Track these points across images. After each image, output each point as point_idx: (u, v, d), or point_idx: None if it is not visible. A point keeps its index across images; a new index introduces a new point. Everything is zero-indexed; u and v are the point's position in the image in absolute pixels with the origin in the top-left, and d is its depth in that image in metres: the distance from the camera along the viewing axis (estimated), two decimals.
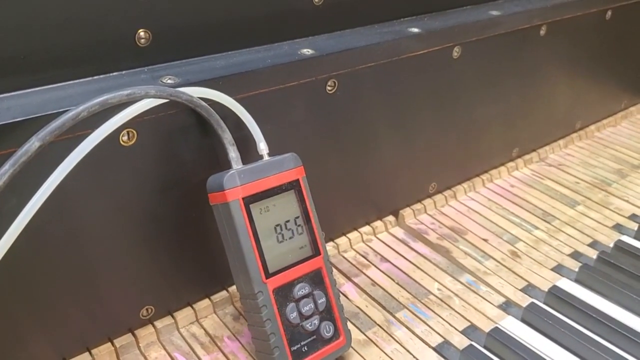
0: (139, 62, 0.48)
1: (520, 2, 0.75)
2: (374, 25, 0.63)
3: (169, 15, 0.48)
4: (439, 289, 0.61)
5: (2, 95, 0.42)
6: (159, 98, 0.44)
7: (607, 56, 0.92)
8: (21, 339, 0.46)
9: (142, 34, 0.47)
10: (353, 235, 0.67)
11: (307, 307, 0.48)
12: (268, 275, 0.47)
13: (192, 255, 0.54)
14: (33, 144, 0.38)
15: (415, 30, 0.61)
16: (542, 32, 0.76)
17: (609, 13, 0.86)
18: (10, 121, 0.39)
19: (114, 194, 0.47)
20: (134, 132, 0.45)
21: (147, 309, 0.52)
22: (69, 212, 0.45)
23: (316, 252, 0.50)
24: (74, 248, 0.46)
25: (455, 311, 0.58)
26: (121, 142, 0.45)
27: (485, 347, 0.54)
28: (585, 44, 0.86)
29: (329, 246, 0.65)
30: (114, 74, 0.47)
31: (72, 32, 0.44)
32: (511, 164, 0.84)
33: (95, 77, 0.46)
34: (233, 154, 0.48)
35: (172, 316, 0.55)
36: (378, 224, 0.69)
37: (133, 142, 0.45)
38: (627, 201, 0.78)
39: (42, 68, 0.44)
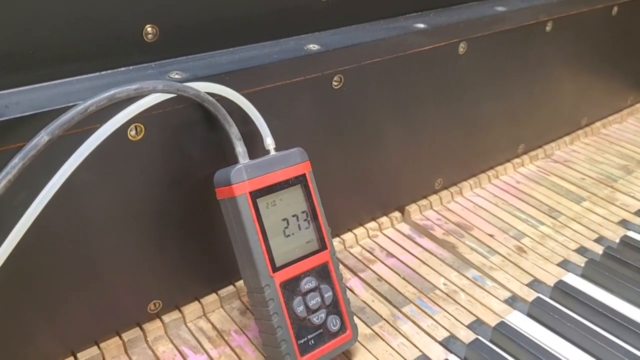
0: (146, 57, 0.49)
1: None
2: (379, 21, 0.63)
3: (176, 10, 0.48)
4: (444, 284, 0.61)
5: (11, 90, 0.43)
6: (167, 93, 0.44)
7: (613, 52, 0.92)
8: (30, 333, 0.46)
9: (149, 29, 0.47)
10: (359, 230, 0.67)
11: (313, 300, 0.48)
12: (275, 269, 0.47)
13: (199, 250, 0.54)
14: (42, 137, 0.39)
15: (421, 25, 0.62)
16: (548, 28, 0.76)
17: (615, 9, 0.86)
18: (20, 115, 0.39)
19: (121, 189, 0.47)
20: (142, 126, 0.45)
21: (154, 304, 0.53)
22: (77, 206, 0.45)
23: (323, 246, 0.50)
24: (82, 242, 0.46)
25: (461, 306, 0.58)
26: (129, 136, 0.45)
27: (491, 341, 0.54)
28: (592, 40, 0.86)
29: (335, 242, 0.65)
30: (122, 69, 0.48)
31: (80, 28, 0.44)
32: (517, 160, 0.84)
33: (103, 72, 0.47)
34: (240, 148, 0.48)
35: (180, 310, 0.55)
36: (384, 219, 0.70)
37: (141, 136, 0.46)
38: (633, 197, 0.78)
39: (50, 63, 0.44)
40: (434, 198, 0.74)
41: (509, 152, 0.83)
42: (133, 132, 0.45)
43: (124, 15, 0.46)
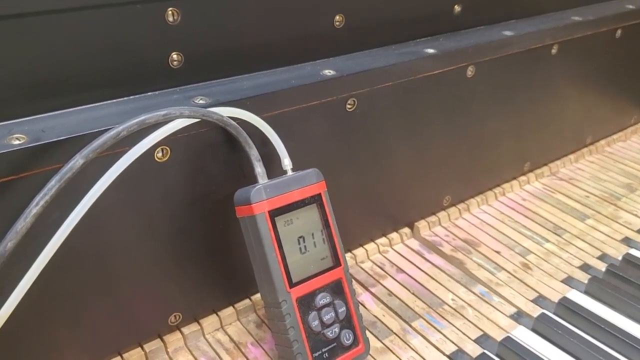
0: (172, 83, 0.51)
1: (533, 22, 0.77)
2: (391, 46, 0.65)
3: (200, 39, 0.51)
4: (453, 299, 0.63)
5: (47, 114, 0.45)
6: (193, 118, 0.46)
7: (617, 73, 0.94)
8: (57, 344, 0.49)
9: (175, 56, 0.50)
10: (370, 246, 0.70)
11: (328, 315, 0.51)
12: (292, 284, 0.49)
13: (218, 265, 0.56)
14: (77, 161, 0.41)
15: (431, 50, 0.64)
16: (554, 51, 0.78)
17: (619, 32, 0.88)
18: (56, 139, 0.42)
19: (147, 207, 0.49)
20: (168, 149, 0.48)
21: (175, 316, 0.55)
22: (104, 223, 0.47)
23: (337, 263, 0.52)
24: (108, 258, 0.49)
25: (469, 321, 0.60)
26: (156, 158, 0.47)
27: (497, 356, 0.56)
28: (596, 62, 0.88)
29: (347, 256, 0.67)
30: (149, 94, 0.50)
31: (111, 56, 0.47)
32: (523, 177, 0.86)
33: (132, 97, 0.49)
34: (259, 169, 0.51)
35: (199, 323, 0.57)
36: (394, 235, 0.72)
37: (167, 158, 0.48)
38: (636, 215, 0.80)
39: (83, 88, 0.47)
40: (442, 214, 0.76)
41: (515, 170, 0.85)
42: (160, 154, 0.48)
43: (151, 44, 0.49)
